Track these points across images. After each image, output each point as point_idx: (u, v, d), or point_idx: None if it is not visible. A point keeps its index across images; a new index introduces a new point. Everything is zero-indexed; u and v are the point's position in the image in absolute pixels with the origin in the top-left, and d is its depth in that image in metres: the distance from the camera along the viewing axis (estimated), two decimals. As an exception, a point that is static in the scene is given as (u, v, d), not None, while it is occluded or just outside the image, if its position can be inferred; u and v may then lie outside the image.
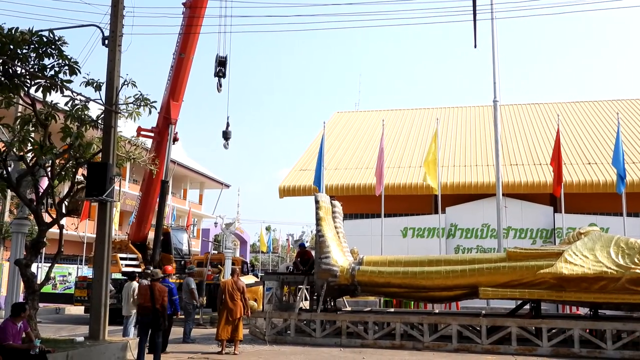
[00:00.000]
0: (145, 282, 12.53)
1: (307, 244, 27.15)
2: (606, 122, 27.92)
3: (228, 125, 19.18)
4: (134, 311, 13.89)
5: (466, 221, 23.37)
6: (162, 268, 14.25)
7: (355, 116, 33.77)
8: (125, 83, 12.53)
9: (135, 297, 13.71)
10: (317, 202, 15.62)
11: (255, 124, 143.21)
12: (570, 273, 13.20)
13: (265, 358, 12.38)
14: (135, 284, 13.99)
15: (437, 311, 16.60)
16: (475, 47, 17.11)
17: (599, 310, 14.65)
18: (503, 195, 19.28)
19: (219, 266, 21.70)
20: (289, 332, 15.15)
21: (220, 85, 17.77)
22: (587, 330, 13.72)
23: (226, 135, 19.08)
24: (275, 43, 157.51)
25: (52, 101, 11.74)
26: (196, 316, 18.19)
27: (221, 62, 18.17)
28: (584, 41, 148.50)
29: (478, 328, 14.11)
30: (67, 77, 11.36)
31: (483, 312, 15.73)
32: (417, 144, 27.70)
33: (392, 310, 17.71)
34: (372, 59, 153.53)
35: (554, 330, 13.78)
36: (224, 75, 17.84)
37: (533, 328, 13.93)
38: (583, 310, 16.37)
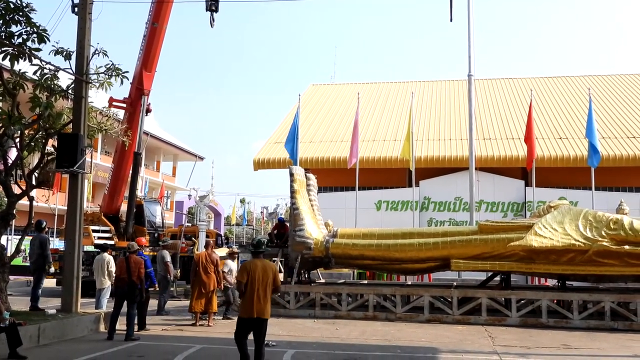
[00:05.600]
0: None
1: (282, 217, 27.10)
2: (577, 98, 28.28)
3: None
4: (108, 284, 13.84)
5: (439, 194, 23.60)
6: (135, 240, 14.14)
7: (330, 89, 33.64)
8: (96, 52, 12.31)
9: (110, 270, 13.67)
10: (291, 174, 15.60)
11: (229, 95, 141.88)
12: (540, 245, 13.47)
13: (240, 329, 12.44)
14: (107, 256, 13.92)
15: (409, 283, 16.84)
16: (451, 20, 17.03)
17: (567, 282, 15.03)
18: (476, 169, 19.49)
19: (193, 239, 21.63)
20: (263, 303, 15.21)
21: (213, 20, 17.09)
22: (555, 301, 14.06)
23: None
24: (250, 14, 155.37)
25: (20, 70, 11.48)
26: (170, 288, 18.18)
27: None
28: (557, 17, 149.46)
29: (449, 299, 14.37)
30: (36, 45, 11.14)
31: (454, 283, 16.01)
32: (392, 118, 27.75)
33: (366, 282, 17.92)
34: (348, 32, 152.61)
35: (522, 301, 14.10)
36: (216, 10, 17.12)
37: (503, 299, 14.23)
38: (551, 282, 16.77)
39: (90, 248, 19.26)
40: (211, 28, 16.00)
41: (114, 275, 13.58)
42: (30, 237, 13.34)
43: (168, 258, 15.32)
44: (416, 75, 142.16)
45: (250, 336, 8.13)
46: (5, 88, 11.20)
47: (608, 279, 14.36)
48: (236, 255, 15.51)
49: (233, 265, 14.48)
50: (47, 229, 13.98)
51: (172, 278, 15.62)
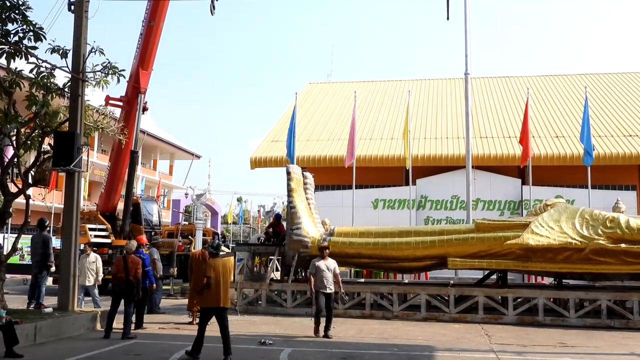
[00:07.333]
0: None
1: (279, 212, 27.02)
2: (574, 96, 28.32)
3: None
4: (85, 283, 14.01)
5: (436, 193, 23.63)
6: (137, 238, 14.13)
7: (327, 87, 33.62)
8: (93, 50, 12.28)
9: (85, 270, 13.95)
10: (288, 173, 15.59)
11: (226, 93, 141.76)
12: (536, 244, 13.50)
13: (236, 328, 12.43)
14: (90, 256, 14.20)
15: (406, 281, 16.86)
16: (447, 19, 17.07)
17: (563, 280, 15.06)
18: (472, 167, 19.51)
19: (190, 237, 21.61)
20: (260, 302, 15.25)
21: (214, 8, 17.02)
22: (552, 299, 14.10)
23: None
24: (247, 12, 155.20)
25: (16, 68, 11.45)
26: (167, 287, 18.16)
27: None
28: (555, 16, 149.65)
29: (446, 297, 14.38)
30: (32, 44, 11.11)
31: (451, 282, 16.03)
32: (389, 116, 27.76)
33: (363, 280, 17.93)
34: (345, 30, 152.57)
35: (519, 300, 14.13)
36: None
37: (499, 297, 14.26)
38: (548, 280, 16.81)
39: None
40: (211, 16, 15.92)
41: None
42: (30, 236, 13.36)
43: (156, 256, 15.23)
44: (413, 73, 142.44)
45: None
46: (1, 86, 11.17)
47: (604, 277, 14.41)
48: (326, 252, 12.33)
49: (324, 264, 12.07)
50: (48, 227, 14.04)
51: (158, 275, 15.50)
